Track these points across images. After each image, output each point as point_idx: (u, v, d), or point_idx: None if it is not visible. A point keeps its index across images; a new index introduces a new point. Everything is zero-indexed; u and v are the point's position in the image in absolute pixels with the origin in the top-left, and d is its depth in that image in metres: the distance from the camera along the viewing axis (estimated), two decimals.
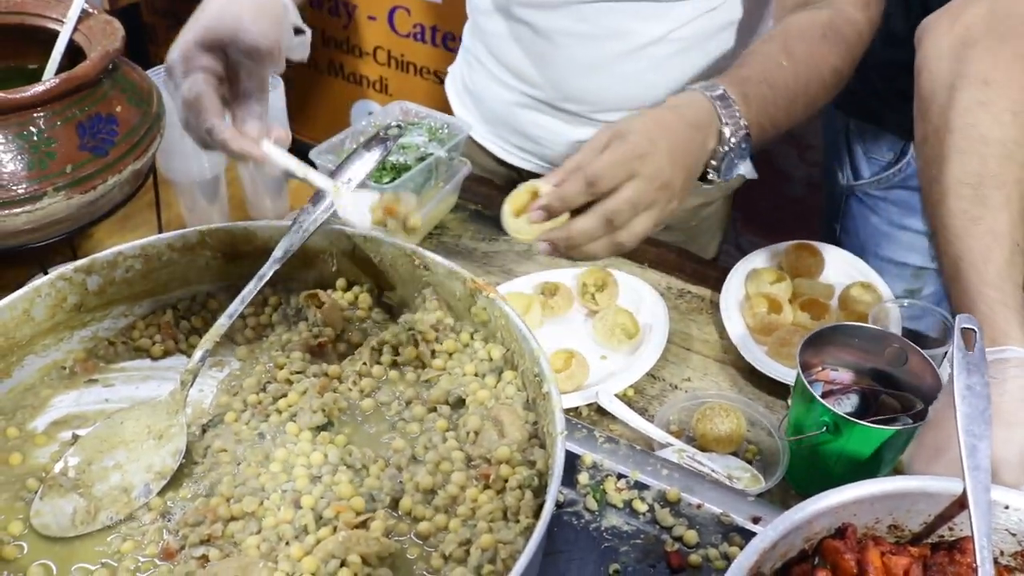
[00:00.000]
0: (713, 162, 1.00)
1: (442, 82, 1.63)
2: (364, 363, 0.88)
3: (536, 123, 1.41)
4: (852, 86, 1.36)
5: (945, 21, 0.94)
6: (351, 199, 0.86)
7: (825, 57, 1.07)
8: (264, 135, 0.87)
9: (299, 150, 1.34)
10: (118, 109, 1.06)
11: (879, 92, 1.36)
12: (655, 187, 0.90)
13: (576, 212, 0.92)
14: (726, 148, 0.99)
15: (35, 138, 0.99)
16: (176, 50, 0.87)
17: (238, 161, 0.89)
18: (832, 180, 1.55)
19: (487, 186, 1.47)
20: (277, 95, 1.27)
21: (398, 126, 0.97)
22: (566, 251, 0.91)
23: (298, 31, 0.97)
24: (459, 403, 0.85)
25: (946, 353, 1.02)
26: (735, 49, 1.29)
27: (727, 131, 0.98)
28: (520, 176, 1.52)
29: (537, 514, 0.71)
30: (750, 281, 1.24)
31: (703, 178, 1.02)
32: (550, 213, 0.90)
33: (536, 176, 1.46)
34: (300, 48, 0.98)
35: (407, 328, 0.90)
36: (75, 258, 0.89)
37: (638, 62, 1.28)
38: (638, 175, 0.89)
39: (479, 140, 1.52)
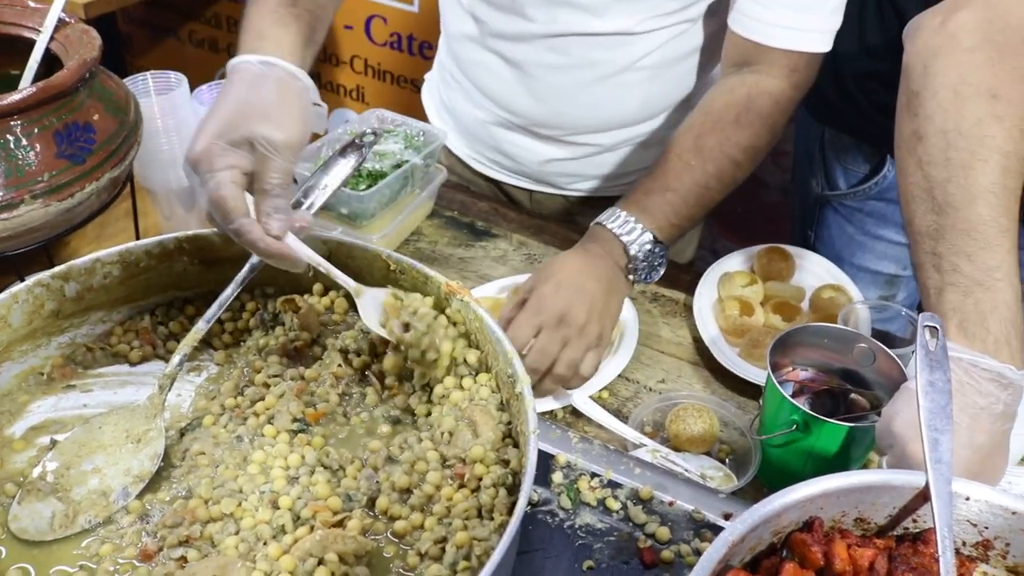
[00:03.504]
0: (630, 276, 1.14)
1: (418, 91, 1.65)
2: (339, 364, 0.89)
3: (511, 141, 1.44)
4: (829, 96, 1.38)
5: (936, 19, 0.94)
6: (371, 298, 0.88)
7: (736, 141, 1.16)
8: (288, 229, 0.86)
9: None
10: (95, 117, 1.07)
11: (857, 104, 1.37)
12: (558, 327, 1.03)
13: None
14: (639, 257, 1.13)
15: (12, 146, 1.00)
16: (199, 144, 0.85)
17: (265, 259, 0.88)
18: (805, 188, 1.56)
19: (463, 193, 1.49)
20: None
21: (373, 133, 0.98)
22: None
23: (315, 104, 0.98)
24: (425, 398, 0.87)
25: (913, 351, 1.04)
26: (699, 71, 1.34)
27: (632, 247, 1.12)
28: (499, 188, 1.53)
29: (511, 511, 0.73)
30: (723, 284, 1.26)
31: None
32: None
33: (515, 187, 1.49)
34: (318, 121, 0.98)
35: (365, 332, 0.92)
36: (52, 266, 0.89)
37: (608, 89, 1.31)
38: (543, 326, 1.03)
39: (456, 152, 1.54)
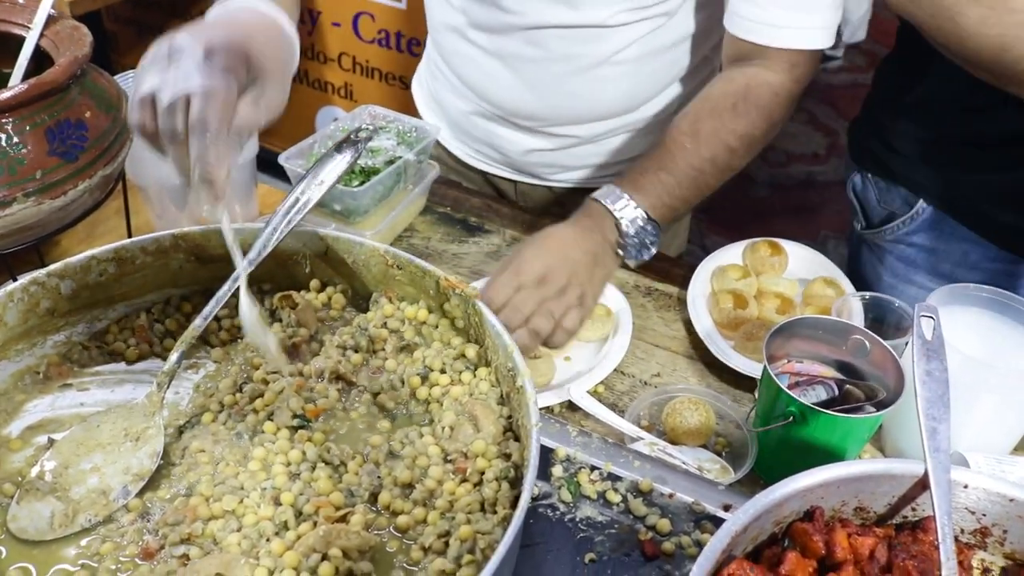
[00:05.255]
0: (620, 251, 1.12)
1: (407, 87, 1.65)
2: (339, 361, 0.89)
3: (494, 132, 1.46)
4: (868, 145, 1.38)
5: None
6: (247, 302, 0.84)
7: (732, 128, 1.15)
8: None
9: (265, 157, 1.35)
10: (87, 115, 1.06)
11: (893, 147, 1.36)
12: (536, 286, 1.00)
13: None
14: (632, 231, 1.11)
15: (3, 144, 0.99)
16: (200, 39, 0.81)
17: (193, 187, 0.82)
18: (848, 223, 1.54)
19: (456, 189, 1.49)
20: None
21: (369, 128, 0.98)
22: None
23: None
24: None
25: (907, 343, 1.05)
26: (681, 64, 1.35)
27: (623, 222, 1.11)
28: (485, 180, 1.54)
29: (514, 505, 0.73)
30: (716, 278, 1.27)
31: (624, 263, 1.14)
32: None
33: (500, 178, 1.49)
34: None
35: (361, 328, 0.92)
36: (43, 265, 0.88)
37: (585, 82, 1.32)
38: (521, 285, 1.00)
39: (445, 144, 1.55)
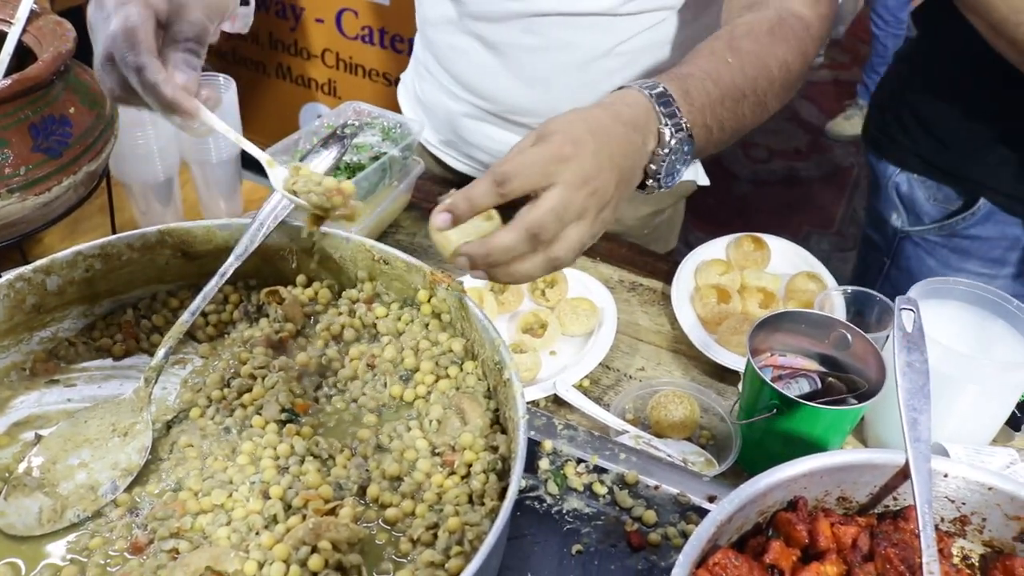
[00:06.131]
0: (652, 166, 0.90)
1: (391, 84, 1.65)
2: (324, 354, 0.89)
3: (485, 134, 1.43)
4: (919, 149, 1.38)
5: None
6: (279, 171, 0.82)
7: (773, 52, 1.01)
8: (197, 88, 0.80)
9: (249, 155, 1.35)
10: (71, 110, 1.06)
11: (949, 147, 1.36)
12: (583, 194, 0.79)
13: None
14: (665, 151, 0.89)
15: None
16: None
17: (165, 114, 0.79)
18: (882, 221, 1.52)
19: (440, 185, 1.49)
20: (230, 96, 1.28)
21: (354, 124, 0.98)
22: (488, 269, 0.79)
23: (243, 2, 0.93)
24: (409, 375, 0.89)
25: (888, 336, 1.06)
26: (679, 62, 1.30)
27: (667, 132, 0.89)
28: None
29: (502, 496, 0.73)
30: (700, 273, 1.28)
31: (641, 186, 0.91)
32: (456, 215, 0.78)
33: None
34: (243, 19, 0.94)
35: (350, 302, 0.94)
36: (26, 262, 0.88)
37: (584, 75, 1.30)
38: (558, 181, 0.78)
39: (432, 151, 1.54)
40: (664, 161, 0.89)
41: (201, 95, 0.80)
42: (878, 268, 1.57)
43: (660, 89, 0.90)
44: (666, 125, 0.89)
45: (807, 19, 1.06)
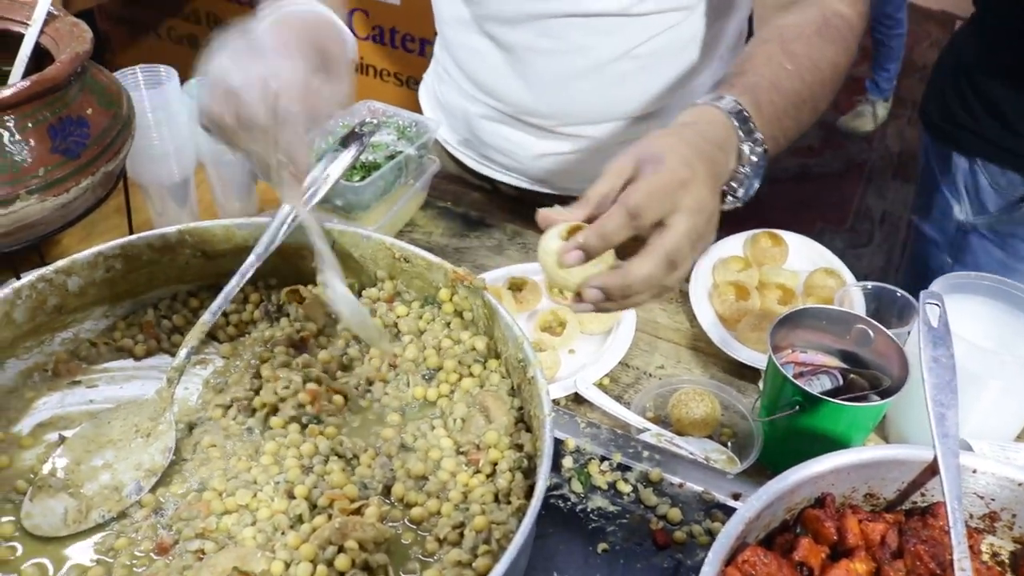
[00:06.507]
0: (733, 183, 0.89)
1: (403, 83, 1.65)
2: (345, 353, 0.89)
3: (503, 136, 1.42)
4: (985, 132, 1.35)
5: None
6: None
7: (824, 55, 1.01)
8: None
9: None
10: (88, 111, 1.06)
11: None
12: (704, 219, 0.79)
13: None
14: (747, 168, 0.88)
15: (5, 141, 0.98)
16: (276, 32, 0.81)
17: (265, 175, 0.82)
18: (940, 214, 1.49)
19: (456, 183, 1.49)
20: None
21: (372, 123, 0.98)
22: (621, 299, 0.78)
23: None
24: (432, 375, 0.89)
25: (909, 332, 1.06)
26: (696, 66, 1.31)
27: (746, 149, 0.88)
28: (493, 186, 1.53)
29: (528, 494, 0.73)
30: (717, 270, 1.27)
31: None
32: (589, 254, 0.77)
33: (509, 186, 1.47)
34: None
35: (371, 301, 0.93)
36: (44, 264, 0.88)
37: (600, 77, 1.29)
38: (681, 207, 0.77)
39: (450, 150, 1.53)
40: (744, 179, 0.89)
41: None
42: (939, 267, 1.52)
43: (735, 105, 0.89)
44: (745, 142, 0.88)
45: (849, 17, 1.06)
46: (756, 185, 0.91)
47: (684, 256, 0.78)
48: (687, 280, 1.25)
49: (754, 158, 0.88)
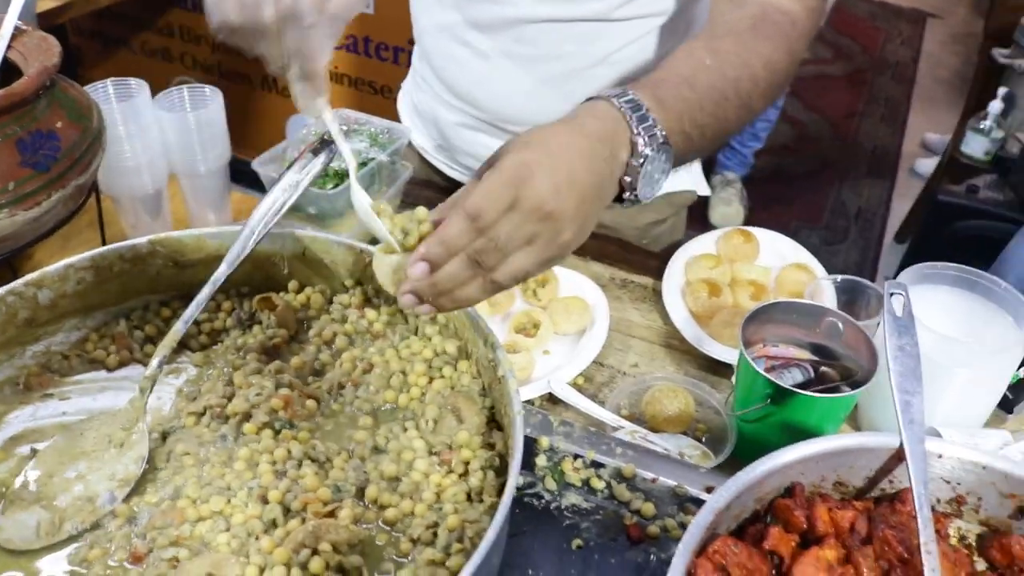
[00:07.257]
0: (627, 178, 0.85)
1: (376, 92, 1.65)
2: (317, 359, 0.90)
3: (481, 143, 1.42)
4: None
5: None
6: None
7: (756, 51, 0.97)
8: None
9: (236, 166, 1.35)
10: (58, 125, 1.06)
11: None
12: (535, 219, 0.74)
13: None
14: (640, 161, 0.84)
15: None
16: None
17: (290, 77, 0.79)
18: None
19: (429, 189, 1.50)
20: (217, 108, 1.28)
21: (342, 130, 0.98)
22: (435, 300, 0.75)
23: None
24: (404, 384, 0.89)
25: (879, 323, 1.07)
26: None
27: (640, 141, 0.84)
28: None
29: (500, 492, 0.73)
30: (690, 268, 1.28)
31: (618, 199, 0.87)
32: (435, 263, 0.74)
33: None
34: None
35: (342, 307, 0.94)
36: (15, 278, 0.88)
37: (577, 84, 1.29)
38: (522, 198, 0.73)
39: (427, 157, 1.54)
40: (640, 172, 0.85)
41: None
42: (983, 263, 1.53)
43: (629, 97, 0.86)
44: (639, 134, 0.84)
45: (793, 13, 1.02)
46: (660, 179, 0.88)
47: (491, 258, 0.73)
48: (659, 279, 1.26)
49: (649, 151, 0.84)
